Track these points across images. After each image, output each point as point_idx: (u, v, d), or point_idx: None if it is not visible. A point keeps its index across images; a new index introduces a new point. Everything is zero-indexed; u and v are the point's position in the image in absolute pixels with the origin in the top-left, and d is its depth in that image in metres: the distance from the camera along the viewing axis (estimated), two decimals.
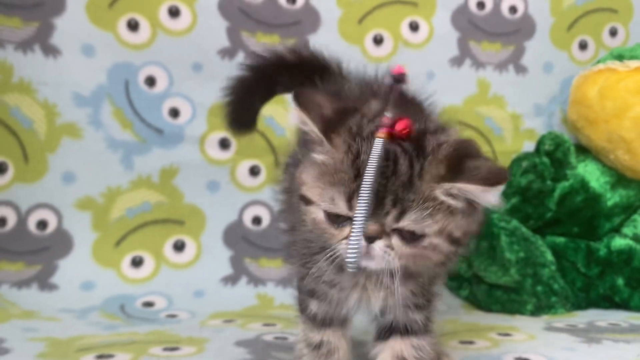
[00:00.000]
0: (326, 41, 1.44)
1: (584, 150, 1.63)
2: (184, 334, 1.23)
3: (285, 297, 1.51)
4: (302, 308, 0.95)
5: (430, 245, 0.76)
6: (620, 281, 1.48)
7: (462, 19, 1.78)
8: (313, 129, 0.77)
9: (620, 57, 1.60)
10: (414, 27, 1.75)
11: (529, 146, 1.71)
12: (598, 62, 1.67)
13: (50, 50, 1.54)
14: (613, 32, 1.88)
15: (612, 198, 1.55)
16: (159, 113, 1.61)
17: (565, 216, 1.54)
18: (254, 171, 1.65)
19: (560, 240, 1.53)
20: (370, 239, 0.75)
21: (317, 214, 0.78)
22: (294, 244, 0.93)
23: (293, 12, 1.68)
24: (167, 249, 1.59)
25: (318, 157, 0.78)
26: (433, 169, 0.74)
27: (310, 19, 1.68)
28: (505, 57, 1.81)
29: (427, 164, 0.74)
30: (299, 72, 1.08)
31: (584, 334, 1.25)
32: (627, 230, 1.53)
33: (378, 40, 1.73)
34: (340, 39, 1.69)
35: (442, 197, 0.75)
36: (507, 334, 1.26)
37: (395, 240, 0.76)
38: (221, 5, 1.63)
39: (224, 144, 1.64)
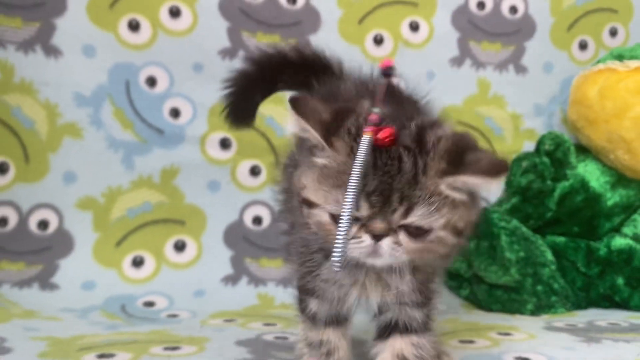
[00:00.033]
0: (326, 41, 1.44)
1: (584, 150, 1.63)
2: (184, 334, 1.24)
3: (285, 297, 1.51)
4: (302, 307, 0.95)
5: (437, 238, 0.77)
6: (620, 281, 1.48)
7: (462, 19, 1.79)
8: (314, 135, 0.78)
9: (620, 57, 1.60)
10: (414, 27, 1.75)
11: (529, 146, 1.71)
12: (598, 62, 1.67)
13: (52, 51, 1.55)
14: (613, 32, 1.89)
15: (612, 198, 1.56)
16: (159, 113, 1.61)
17: (566, 216, 1.54)
18: (254, 171, 1.66)
19: (561, 239, 1.53)
20: (378, 237, 0.76)
21: (322, 216, 0.78)
22: (292, 243, 0.94)
23: (293, 12, 1.68)
24: (168, 249, 1.60)
25: (320, 160, 0.78)
26: (436, 164, 0.75)
27: (311, 19, 1.69)
28: (506, 57, 1.82)
29: (429, 159, 0.75)
30: (300, 71, 1.08)
31: (584, 334, 1.25)
32: (627, 229, 1.54)
33: (378, 41, 1.73)
34: (340, 39, 1.69)
35: (447, 191, 0.76)
36: (507, 334, 1.26)
37: (402, 237, 0.77)
38: (222, 6, 1.63)
39: (224, 144, 1.64)
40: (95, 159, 1.57)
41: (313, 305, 0.93)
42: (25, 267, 1.51)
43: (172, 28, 1.61)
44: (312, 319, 0.94)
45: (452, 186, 0.76)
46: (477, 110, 1.79)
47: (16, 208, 1.53)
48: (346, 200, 0.71)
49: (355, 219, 0.76)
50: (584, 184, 1.55)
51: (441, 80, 1.74)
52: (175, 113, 1.62)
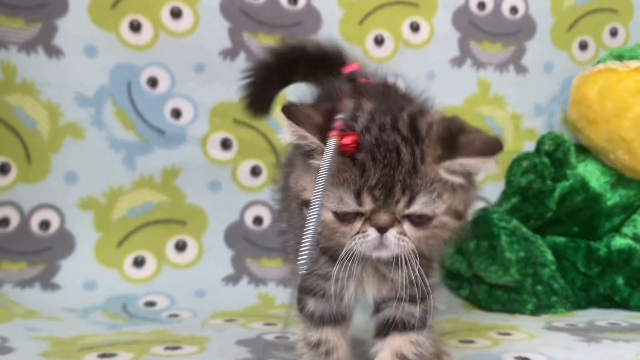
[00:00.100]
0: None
1: (584, 150, 1.64)
2: (185, 334, 1.24)
3: (286, 296, 1.51)
4: (301, 307, 0.96)
5: (440, 224, 0.79)
6: (620, 281, 1.48)
7: (462, 20, 1.79)
8: (313, 140, 0.78)
9: (620, 57, 1.60)
10: (414, 27, 1.76)
11: (530, 146, 1.71)
12: (598, 62, 1.67)
13: (53, 51, 1.55)
14: (613, 32, 1.89)
15: (612, 198, 1.56)
16: (161, 114, 1.61)
17: (566, 216, 1.54)
18: (255, 171, 1.66)
19: (561, 240, 1.53)
20: (382, 229, 0.77)
21: (325, 215, 0.79)
22: (288, 242, 0.94)
23: (294, 12, 1.69)
24: (169, 249, 1.60)
25: (319, 162, 0.79)
26: (432, 151, 0.77)
27: (312, 19, 1.69)
28: (506, 57, 1.82)
29: (425, 147, 0.77)
30: (317, 65, 1.08)
31: (584, 333, 1.25)
32: (627, 230, 1.54)
33: (379, 41, 1.73)
34: (341, 39, 1.69)
35: (446, 176, 0.77)
36: (507, 333, 1.26)
37: (406, 226, 0.78)
38: (223, 6, 1.64)
39: (225, 145, 1.64)
40: (96, 159, 1.58)
41: (311, 304, 0.93)
42: (26, 267, 1.51)
43: (173, 29, 1.61)
44: (310, 318, 0.94)
45: (449, 170, 0.77)
46: (477, 111, 1.79)
47: (18, 208, 1.53)
48: (313, 204, 0.71)
49: (359, 214, 0.77)
50: (584, 184, 1.55)
51: (442, 80, 1.75)
52: (176, 113, 1.62)
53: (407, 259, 0.79)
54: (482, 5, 1.80)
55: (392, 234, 0.77)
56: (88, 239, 1.56)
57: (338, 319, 0.94)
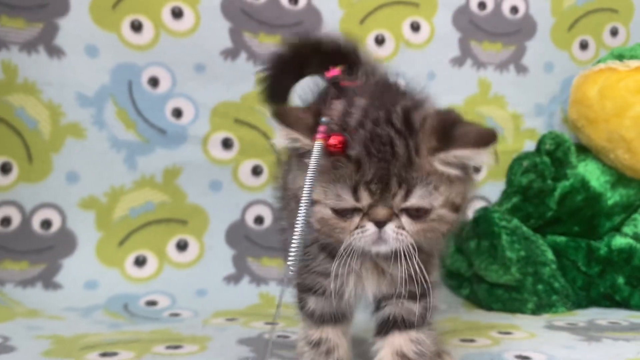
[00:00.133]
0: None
1: (584, 150, 1.64)
2: (186, 333, 1.24)
3: (286, 296, 1.51)
4: (301, 305, 0.96)
5: (438, 216, 0.79)
6: (620, 280, 1.48)
7: (463, 19, 1.79)
8: (306, 142, 0.79)
9: (620, 57, 1.60)
10: (415, 27, 1.76)
11: (530, 146, 1.71)
12: (598, 61, 1.68)
13: (55, 51, 1.55)
14: (614, 32, 1.89)
15: (613, 197, 1.56)
16: (162, 113, 1.62)
17: (566, 215, 1.55)
18: (256, 171, 1.66)
19: (561, 239, 1.53)
20: (380, 223, 0.77)
21: (324, 212, 0.79)
22: (288, 239, 0.94)
23: (295, 12, 1.69)
24: (170, 249, 1.61)
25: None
26: (426, 143, 0.77)
27: (312, 19, 1.69)
28: (506, 57, 1.82)
29: (419, 139, 0.77)
30: (330, 60, 1.08)
31: (585, 332, 1.25)
32: (628, 229, 1.54)
33: (380, 41, 1.74)
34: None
35: (441, 168, 0.78)
36: (507, 332, 1.27)
37: (404, 220, 0.78)
38: (224, 6, 1.64)
39: (226, 144, 1.65)
40: (98, 158, 1.58)
41: (311, 302, 0.93)
42: (28, 267, 1.52)
43: (174, 29, 1.62)
44: (310, 317, 0.94)
45: (445, 162, 0.78)
46: (477, 110, 1.79)
47: (19, 208, 1.54)
48: (302, 204, 0.72)
49: (356, 210, 0.78)
50: (584, 184, 1.55)
51: (442, 80, 1.75)
52: (177, 113, 1.62)
53: (406, 253, 0.80)
54: (482, 5, 1.81)
55: (390, 228, 0.78)
56: (89, 239, 1.56)
57: (338, 318, 0.94)
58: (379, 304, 0.93)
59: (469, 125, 0.80)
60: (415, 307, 0.90)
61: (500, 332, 1.27)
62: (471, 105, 1.78)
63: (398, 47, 1.75)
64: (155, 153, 1.61)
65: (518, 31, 1.83)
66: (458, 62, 1.79)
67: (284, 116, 0.80)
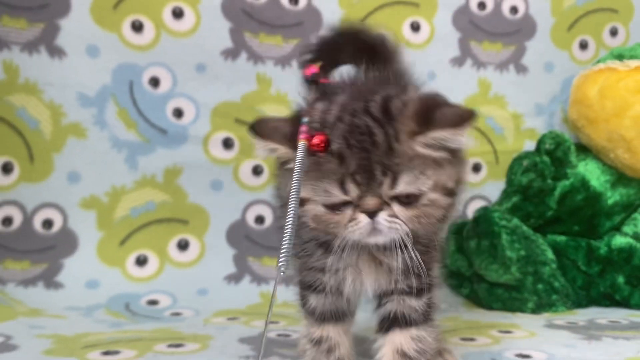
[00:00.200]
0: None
1: (584, 149, 1.64)
2: (188, 332, 1.25)
3: (288, 295, 1.51)
4: (303, 303, 0.96)
5: (430, 201, 0.79)
6: (620, 279, 1.49)
7: (463, 19, 1.80)
8: (284, 150, 0.80)
9: (620, 57, 1.61)
10: (415, 27, 1.76)
11: (530, 145, 1.71)
12: (598, 61, 1.68)
13: (56, 51, 1.56)
14: (613, 32, 1.90)
15: (613, 197, 1.56)
16: (162, 113, 1.62)
17: (566, 215, 1.55)
18: (257, 171, 1.67)
19: (561, 238, 1.54)
20: (372, 213, 0.77)
21: (316, 209, 0.80)
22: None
23: (295, 12, 1.69)
24: (171, 248, 1.61)
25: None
26: (405, 128, 0.77)
27: (313, 19, 1.70)
28: (506, 57, 1.82)
29: (398, 125, 0.77)
30: (363, 52, 1.08)
31: (585, 331, 1.26)
32: (628, 228, 1.54)
33: None
34: None
35: (423, 151, 0.77)
36: (508, 331, 1.27)
37: (396, 208, 0.78)
38: (224, 7, 1.64)
39: (227, 144, 1.65)
40: (99, 158, 1.58)
41: (312, 299, 0.94)
42: (30, 266, 1.52)
43: (175, 29, 1.62)
44: (311, 314, 0.94)
45: (425, 145, 0.77)
46: (478, 110, 1.79)
47: (21, 207, 1.54)
48: (291, 202, 0.72)
49: (347, 203, 0.78)
50: (584, 183, 1.55)
51: (442, 80, 1.75)
52: (178, 113, 1.63)
53: (403, 243, 0.79)
54: (482, 5, 1.81)
55: (382, 218, 0.77)
56: (91, 238, 1.57)
57: (339, 316, 0.95)
58: (380, 300, 0.93)
59: (450, 107, 0.80)
60: (417, 304, 0.89)
61: (501, 331, 1.27)
62: (471, 105, 1.74)
63: None
64: (156, 153, 1.61)
65: (518, 31, 1.83)
66: (458, 62, 1.79)
67: (259, 128, 0.81)
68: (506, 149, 1.77)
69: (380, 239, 0.80)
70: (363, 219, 0.78)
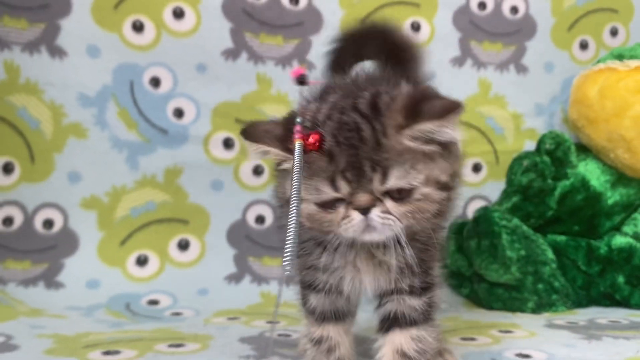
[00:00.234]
0: (329, 42, 1.45)
1: (584, 149, 1.64)
2: (188, 332, 1.25)
3: (288, 294, 1.51)
4: (303, 302, 0.96)
5: (423, 196, 0.78)
6: (620, 279, 1.49)
7: (463, 20, 1.80)
8: (277, 152, 0.80)
9: (620, 57, 1.61)
10: (415, 27, 1.76)
11: (530, 145, 1.72)
12: (598, 61, 1.68)
13: (56, 51, 1.56)
14: (613, 32, 1.90)
15: (613, 197, 1.56)
16: (163, 113, 1.62)
17: (566, 215, 1.55)
18: (257, 171, 1.67)
19: (561, 238, 1.54)
20: (365, 210, 0.77)
21: (309, 208, 0.80)
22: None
23: (296, 13, 1.69)
24: (172, 248, 1.61)
25: (288, 165, 0.80)
26: (393, 122, 0.77)
27: (313, 19, 1.70)
28: (507, 57, 1.83)
29: (386, 119, 0.77)
30: (386, 50, 1.08)
31: (585, 331, 1.26)
32: (628, 228, 1.54)
33: None
34: None
35: (412, 144, 0.77)
36: (508, 331, 1.27)
37: (389, 203, 0.78)
38: (225, 7, 1.65)
39: (227, 144, 1.65)
40: (99, 158, 1.58)
41: (313, 299, 0.94)
42: (30, 266, 1.52)
43: (175, 29, 1.62)
44: (312, 313, 0.95)
45: (413, 138, 0.77)
46: (478, 110, 1.80)
47: (21, 207, 1.54)
48: (292, 203, 0.72)
49: (339, 200, 0.78)
50: (584, 183, 1.55)
51: (442, 80, 1.73)
52: (178, 113, 1.63)
53: (399, 239, 0.79)
54: (482, 5, 1.81)
55: (375, 214, 0.77)
56: (91, 238, 1.57)
57: (340, 316, 0.95)
58: (380, 300, 0.92)
59: (438, 99, 0.79)
60: (417, 303, 0.89)
61: (501, 331, 1.27)
62: (472, 105, 1.79)
63: None
64: (156, 153, 1.61)
65: (518, 31, 1.83)
66: (458, 62, 1.79)
67: (249, 132, 0.81)
68: (506, 149, 1.77)
69: (375, 236, 0.80)
70: (356, 216, 0.78)
